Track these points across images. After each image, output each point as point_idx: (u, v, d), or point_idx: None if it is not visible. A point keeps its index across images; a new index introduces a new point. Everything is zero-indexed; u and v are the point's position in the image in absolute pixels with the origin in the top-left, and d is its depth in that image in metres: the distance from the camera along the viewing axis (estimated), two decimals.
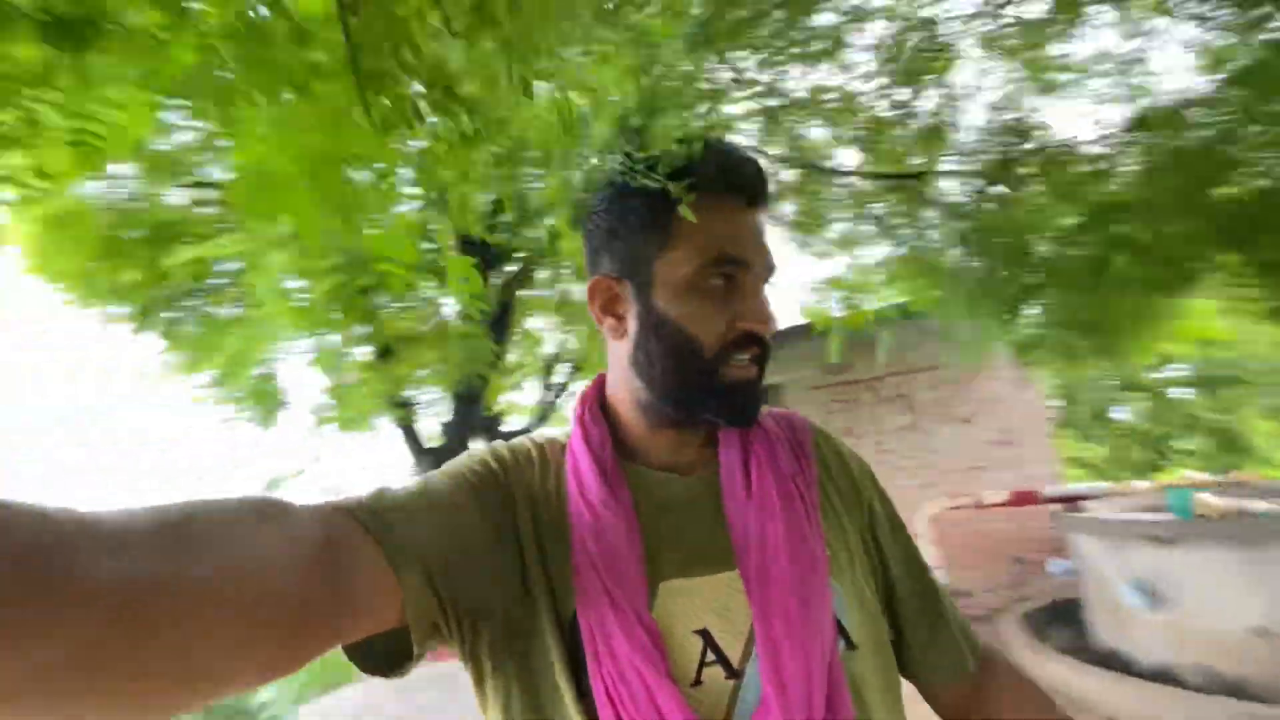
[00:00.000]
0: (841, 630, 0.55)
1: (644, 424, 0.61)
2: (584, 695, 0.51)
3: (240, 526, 0.38)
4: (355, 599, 0.44)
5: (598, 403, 0.64)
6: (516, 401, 5.21)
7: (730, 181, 0.59)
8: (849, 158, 2.22)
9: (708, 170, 0.59)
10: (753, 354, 0.57)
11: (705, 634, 0.53)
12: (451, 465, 0.59)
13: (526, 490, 0.59)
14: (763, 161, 0.63)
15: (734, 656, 0.53)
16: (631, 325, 0.60)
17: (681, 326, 0.57)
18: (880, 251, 2.57)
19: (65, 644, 0.27)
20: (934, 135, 1.99)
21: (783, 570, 0.54)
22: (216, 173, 2.78)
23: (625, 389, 0.62)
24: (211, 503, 0.38)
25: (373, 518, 0.48)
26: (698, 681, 0.52)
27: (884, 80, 1.80)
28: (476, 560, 0.52)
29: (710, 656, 0.53)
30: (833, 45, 1.60)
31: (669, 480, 0.60)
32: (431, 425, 4.62)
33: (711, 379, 0.57)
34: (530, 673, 0.53)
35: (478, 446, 0.65)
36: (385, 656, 0.51)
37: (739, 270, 0.57)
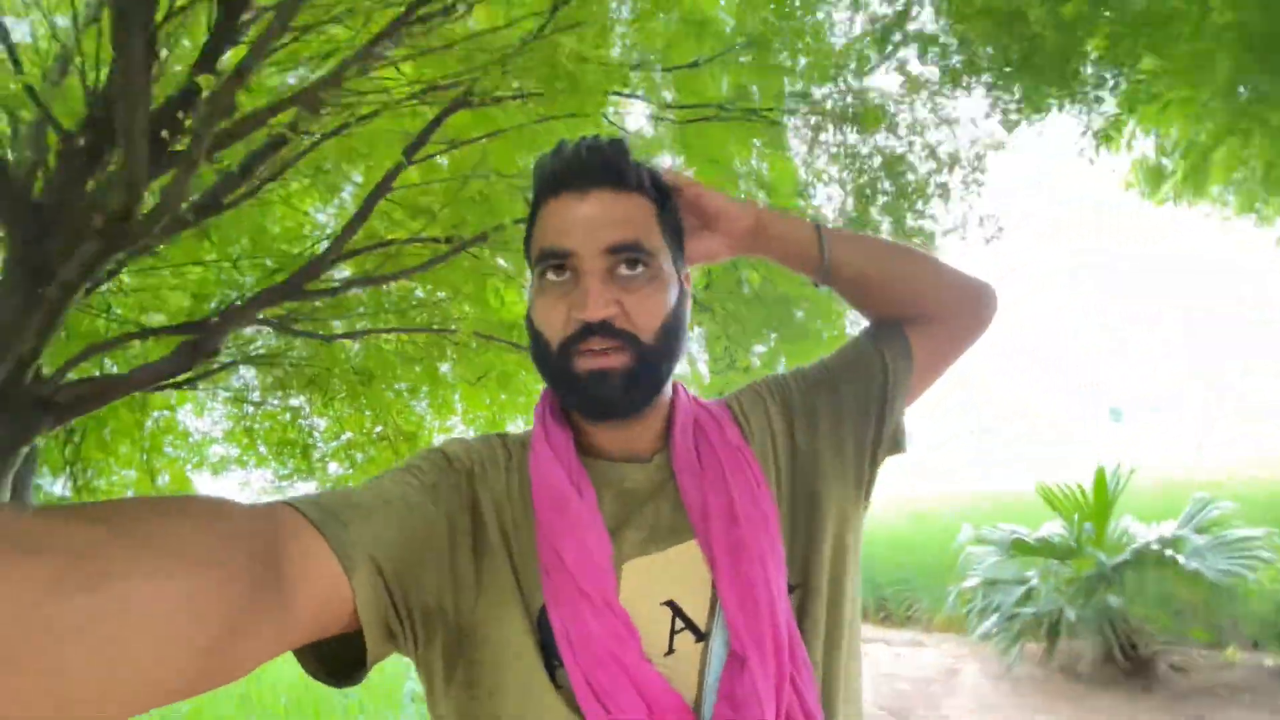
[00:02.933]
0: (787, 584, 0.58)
1: (584, 419, 0.61)
2: (560, 686, 0.51)
3: (177, 521, 0.36)
4: (302, 600, 0.42)
5: (558, 401, 0.63)
6: None
7: (556, 176, 0.58)
8: None
9: (541, 174, 0.60)
10: (606, 345, 0.55)
11: (673, 604, 0.55)
12: (409, 463, 0.58)
13: (490, 488, 0.58)
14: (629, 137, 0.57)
15: (700, 621, 0.55)
16: None
17: (534, 327, 0.58)
18: None
19: None
20: None
21: (739, 535, 0.55)
22: None
23: None
24: (142, 501, 0.36)
25: (323, 515, 0.47)
26: (670, 650, 0.54)
27: None
28: (432, 558, 0.52)
29: (679, 624, 0.55)
30: None
31: (628, 469, 0.60)
32: None
33: (566, 373, 0.56)
34: (487, 674, 0.52)
35: (439, 441, 0.64)
36: (338, 663, 0.50)
37: (568, 260, 0.56)
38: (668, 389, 0.63)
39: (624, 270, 0.56)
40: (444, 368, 4.29)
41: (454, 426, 4.74)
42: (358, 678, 0.50)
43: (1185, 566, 3.83)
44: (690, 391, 0.68)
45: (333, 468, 4.71)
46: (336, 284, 3.09)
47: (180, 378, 2.90)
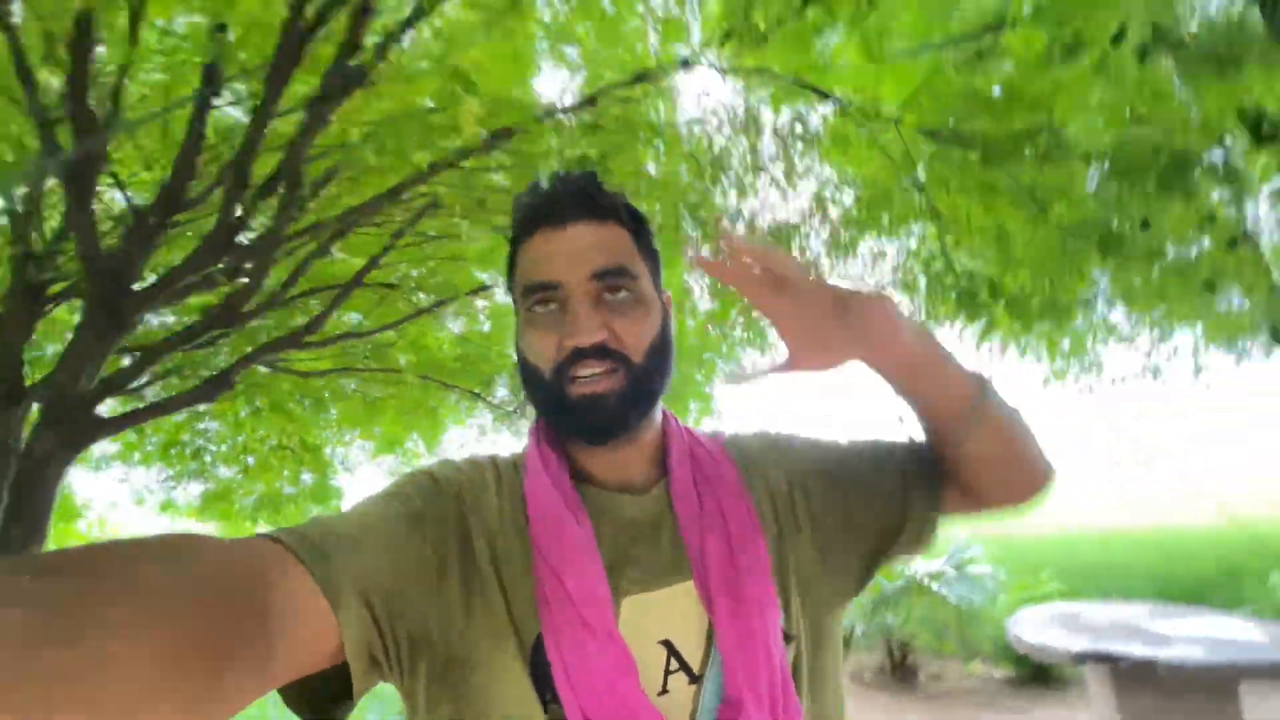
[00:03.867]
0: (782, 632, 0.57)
1: (577, 447, 0.61)
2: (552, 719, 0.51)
3: (154, 567, 0.35)
4: (288, 637, 0.42)
5: (552, 430, 0.63)
6: None
7: (535, 212, 0.60)
8: None
9: (519, 212, 0.62)
10: (603, 368, 0.56)
11: (668, 644, 0.55)
12: (395, 487, 0.58)
13: (480, 513, 0.58)
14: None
15: (694, 663, 0.55)
16: None
17: (525, 357, 0.59)
18: None
19: None
20: None
21: (736, 577, 0.55)
22: None
23: None
24: (118, 545, 0.36)
25: (305, 547, 0.46)
26: (664, 690, 0.54)
27: None
28: (419, 588, 0.51)
29: (674, 665, 0.54)
30: None
31: (624, 500, 0.60)
32: None
33: (560, 399, 0.57)
34: (475, 703, 0.52)
35: (425, 464, 0.64)
36: (320, 697, 0.49)
37: (555, 292, 0.57)
38: (657, 413, 0.64)
39: (609, 296, 0.57)
40: (350, 385, 4.71)
41: (353, 439, 5.10)
42: (344, 710, 0.50)
43: (940, 594, 4.98)
44: (680, 423, 0.68)
45: (224, 471, 4.86)
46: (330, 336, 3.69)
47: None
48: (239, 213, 2.51)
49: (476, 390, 4.76)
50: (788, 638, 0.58)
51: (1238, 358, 3.96)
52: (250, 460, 4.99)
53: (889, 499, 0.65)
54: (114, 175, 2.69)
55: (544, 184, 0.61)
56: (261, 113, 2.28)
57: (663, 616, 0.56)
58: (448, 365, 4.58)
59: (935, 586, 5.06)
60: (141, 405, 3.02)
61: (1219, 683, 2.44)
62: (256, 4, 2.23)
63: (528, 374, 0.59)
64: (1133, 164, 2.19)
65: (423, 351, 4.58)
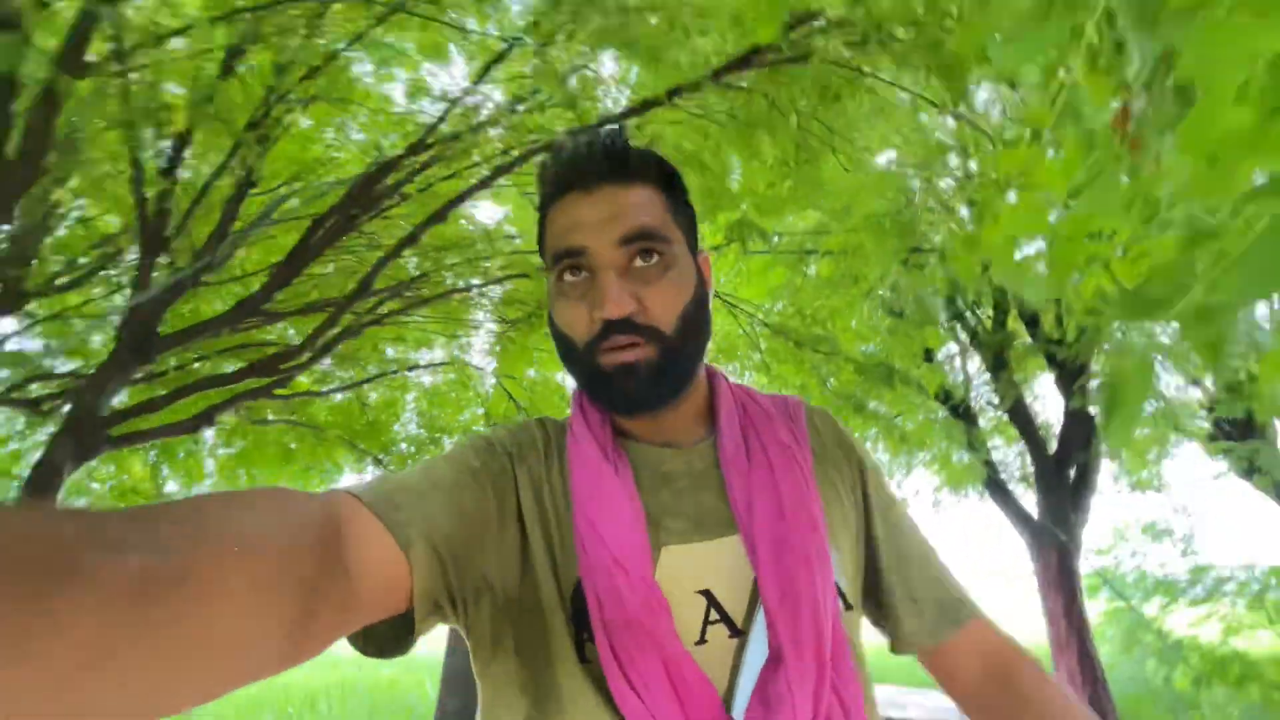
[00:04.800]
0: (840, 592, 0.57)
1: (615, 414, 0.62)
2: (586, 660, 0.52)
3: (247, 514, 0.38)
4: (366, 581, 0.44)
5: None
6: None
7: (560, 178, 0.59)
8: None
9: (544, 177, 0.61)
10: (627, 341, 0.55)
11: (708, 594, 0.55)
12: (453, 449, 0.60)
13: (529, 470, 0.60)
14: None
15: (737, 616, 0.54)
16: None
17: (558, 328, 0.59)
18: None
19: (73, 645, 0.26)
20: None
21: (784, 533, 0.55)
22: None
23: None
24: (213, 497, 0.38)
25: (378, 499, 0.49)
26: (702, 640, 0.54)
27: None
28: (479, 537, 0.53)
29: (714, 615, 0.54)
30: None
31: (666, 454, 0.61)
32: None
33: (593, 370, 0.57)
34: (527, 644, 0.54)
35: (480, 430, 0.62)
36: (383, 637, 0.51)
37: (583, 259, 0.56)
38: (701, 375, 0.64)
39: (639, 263, 0.56)
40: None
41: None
42: (404, 648, 0.52)
43: None
44: (736, 381, 0.69)
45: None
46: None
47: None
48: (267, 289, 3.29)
49: (378, 454, 5.37)
50: (848, 604, 0.58)
51: (961, 498, 5.76)
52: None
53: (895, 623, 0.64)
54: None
55: (570, 145, 0.59)
56: (315, 225, 3.19)
57: (703, 567, 0.56)
58: (357, 427, 5.21)
59: None
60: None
61: None
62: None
63: (561, 345, 0.60)
64: (867, 367, 3.87)
65: (338, 413, 5.22)
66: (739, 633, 0.54)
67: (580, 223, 0.57)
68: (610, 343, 0.56)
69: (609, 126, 0.60)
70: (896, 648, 0.65)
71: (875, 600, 0.65)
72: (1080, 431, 4.89)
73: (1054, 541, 4.76)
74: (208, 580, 0.32)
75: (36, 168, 2.30)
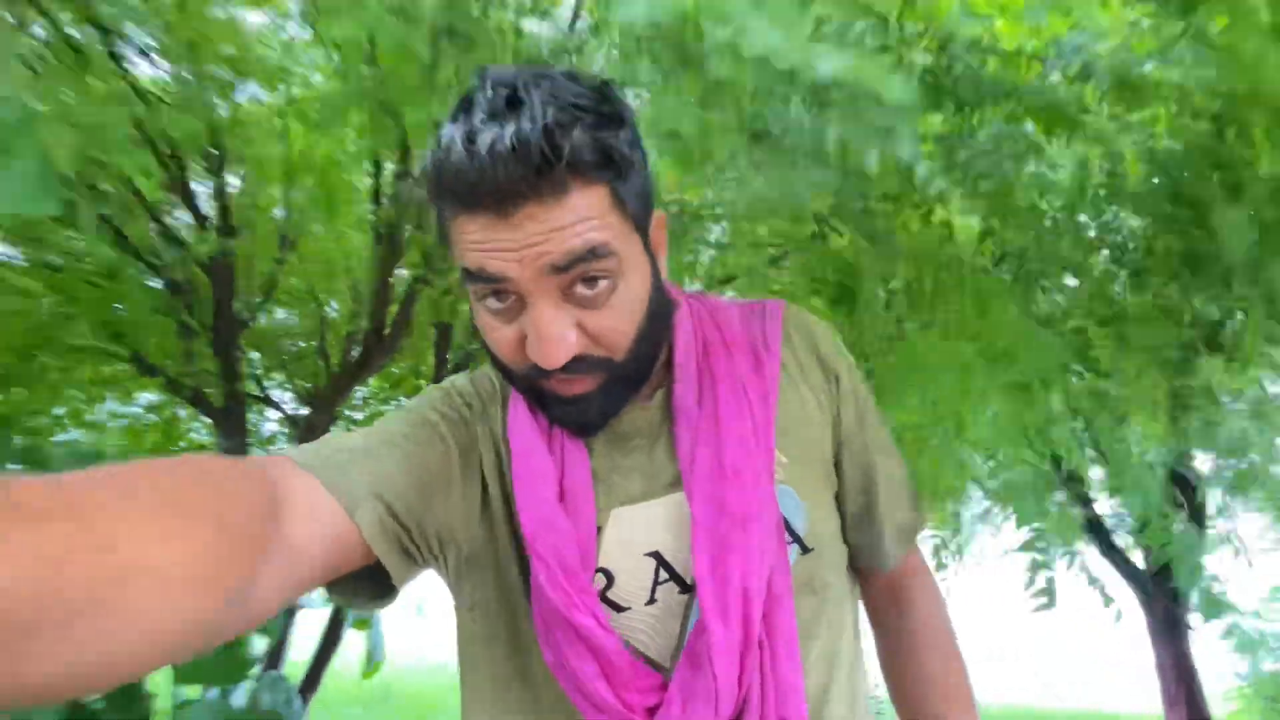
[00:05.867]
0: (795, 536, 0.56)
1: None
2: None
3: (177, 480, 0.36)
4: (310, 544, 0.43)
5: None
6: None
7: (468, 191, 0.44)
8: None
9: (443, 179, 0.45)
10: (574, 378, 0.49)
11: (657, 555, 0.54)
12: (411, 402, 0.58)
13: (488, 422, 0.58)
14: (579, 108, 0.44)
15: (686, 573, 0.54)
16: None
17: (489, 348, 0.51)
18: None
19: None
20: None
21: (722, 490, 0.52)
22: None
23: None
24: (143, 464, 0.36)
25: (319, 461, 0.47)
26: (652, 600, 0.54)
27: None
28: (441, 490, 0.53)
29: (663, 575, 0.54)
30: None
31: (625, 410, 0.56)
32: None
33: (536, 392, 0.52)
34: (492, 596, 0.56)
35: (438, 383, 0.61)
36: (367, 587, 0.52)
37: (507, 284, 0.46)
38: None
39: (581, 289, 0.46)
40: None
41: None
42: (391, 598, 0.53)
43: None
44: (701, 301, 0.63)
45: None
46: None
47: None
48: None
49: None
50: (804, 548, 0.56)
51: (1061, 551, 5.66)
52: None
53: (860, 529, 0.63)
54: None
55: (477, 128, 0.42)
56: None
57: (651, 528, 0.54)
58: None
59: None
60: None
61: None
62: None
63: (494, 361, 0.52)
64: None
65: None
66: (688, 589, 0.54)
67: (499, 247, 0.45)
68: (554, 378, 0.49)
69: (533, 110, 0.42)
70: (853, 568, 0.65)
71: (842, 522, 0.63)
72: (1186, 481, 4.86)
73: (1161, 593, 4.76)
74: (133, 552, 0.30)
75: None
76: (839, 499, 0.62)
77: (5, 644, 0.26)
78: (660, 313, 0.53)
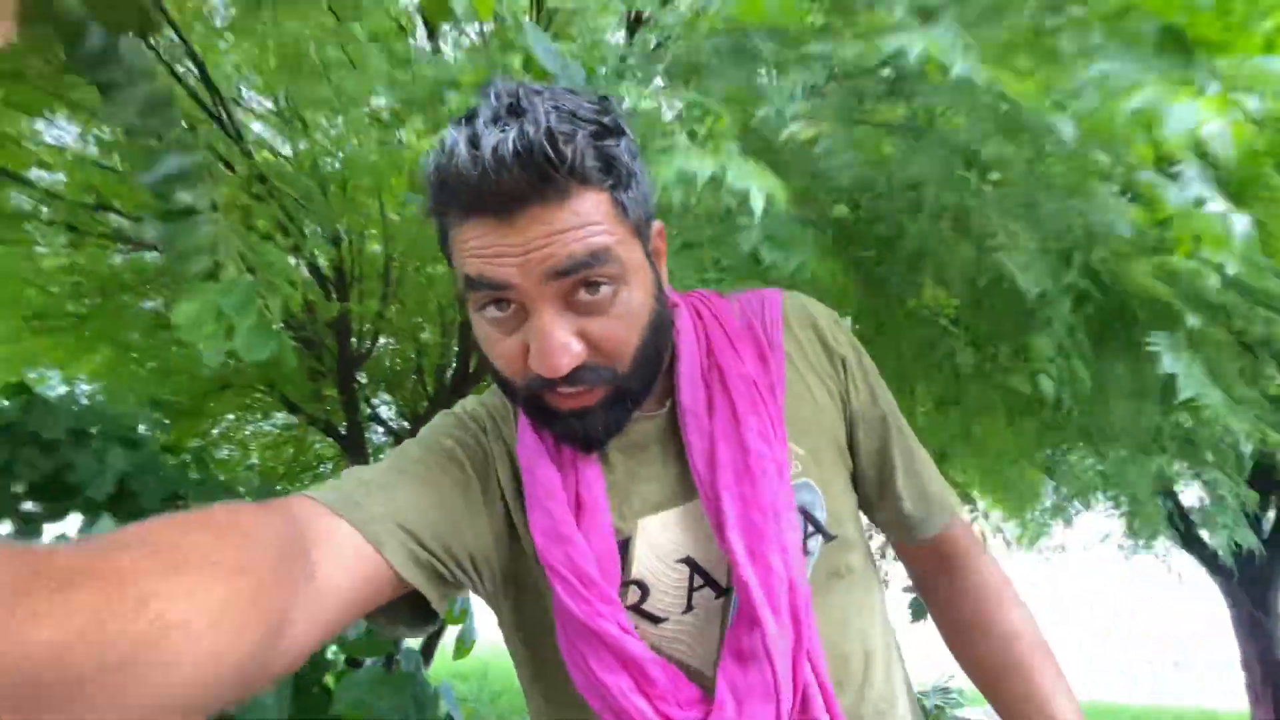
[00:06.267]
0: (818, 526, 0.56)
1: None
2: None
3: (202, 535, 0.36)
4: (338, 584, 0.43)
5: None
6: None
7: (470, 196, 0.45)
8: None
9: (444, 184, 0.46)
10: (577, 390, 0.49)
11: (690, 561, 0.54)
12: (423, 432, 0.58)
13: (504, 442, 0.58)
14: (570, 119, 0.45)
15: (720, 577, 0.54)
16: None
17: (489, 359, 0.51)
18: None
19: (20, 695, 0.26)
20: None
21: (750, 485, 0.52)
22: None
23: None
24: (167, 521, 0.36)
25: (340, 499, 0.47)
26: (689, 608, 0.53)
27: None
28: (463, 515, 0.52)
29: (698, 581, 0.54)
30: None
31: (636, 419, 0.56)
32: None
33: (538, 407, 0.52)
34: (525, 618, 0.57)
35: (449, 409, 0.61)
36: (405, 614, 0.52)
37: (509, 292, 0.46)
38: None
39: (584, 295, 0.47)
40: None
41: None
42: (433, 624, 0.53)
43: None
44: (705, 300, 0.63)
45: None
46: None
47: None
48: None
49: None
50: (828, 536, 0.56)
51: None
52: None
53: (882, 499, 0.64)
54: None
55: (481, 132, 0.43)
56: None
57: (681, 534, 0.54)
58: None
59: None
60: None
61: None
62: None
63: (495, 376, 0.52)
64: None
65: None
66: (724, 592, 0.54)
67: (502, 253, 0.45)
68: (557, 390, 0.49)
69: (536, 116, 0.43)
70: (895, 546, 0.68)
71: (865, 501, 0.64)
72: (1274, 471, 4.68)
73: (1245, 588, 4.66)
74: (162, 607, 0.30)
75: None
76: (855, 478, 0.63)
77: (52, 702, 0.27)
78: (662, 324, 0.53)
